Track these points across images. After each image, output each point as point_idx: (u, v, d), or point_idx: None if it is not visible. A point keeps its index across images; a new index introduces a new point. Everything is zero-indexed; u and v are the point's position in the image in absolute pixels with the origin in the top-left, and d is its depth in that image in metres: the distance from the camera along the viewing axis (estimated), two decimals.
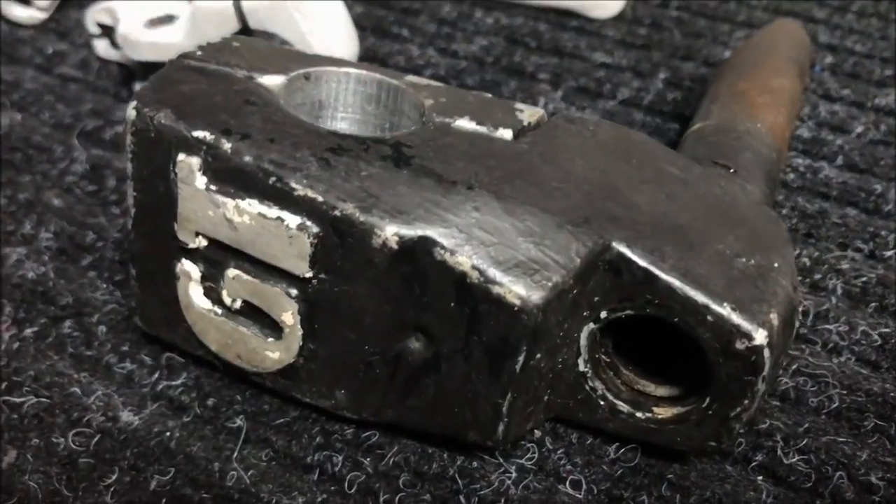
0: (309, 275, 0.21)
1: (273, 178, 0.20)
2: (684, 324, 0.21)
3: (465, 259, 0.20)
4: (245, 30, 0.33)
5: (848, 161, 0.37)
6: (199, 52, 0.23)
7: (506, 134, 0.23)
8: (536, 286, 0.20)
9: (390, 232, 0.20)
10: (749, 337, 0.20)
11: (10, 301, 0.27)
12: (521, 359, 0.20)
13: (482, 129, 0.23)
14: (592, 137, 0.24)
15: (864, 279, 0.30)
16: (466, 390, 0.21)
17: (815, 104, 0.40)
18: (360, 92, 0.24)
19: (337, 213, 0.20)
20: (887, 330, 0.28)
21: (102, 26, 0.37)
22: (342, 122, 0.25)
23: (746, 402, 0.21)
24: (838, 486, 0.24)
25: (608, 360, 0.23)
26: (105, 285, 0.28)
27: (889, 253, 0.32)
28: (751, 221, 0.24)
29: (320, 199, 0.20)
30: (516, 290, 0.20)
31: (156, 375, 0.25)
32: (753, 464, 0.24)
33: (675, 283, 0.21)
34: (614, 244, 0.21)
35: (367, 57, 0.41)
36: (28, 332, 0.26)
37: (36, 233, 0.29)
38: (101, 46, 0.38)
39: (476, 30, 0.44)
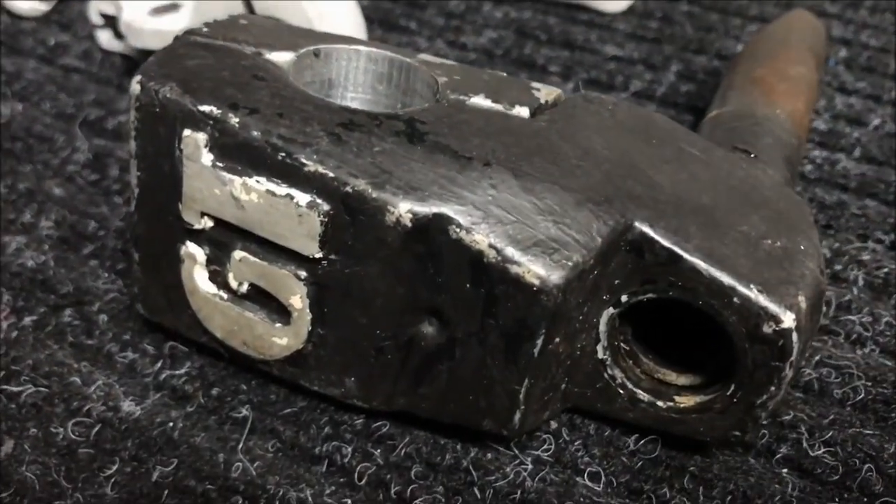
0: (319, 255, 0.20)
1: (282, 154, 0.19)
2: (709, 307, 0.20)
3: (482, 237, 0.19)
4: None
5: (865, 153, 0.36)
6: (205, 29, 0.23)
7: (522, 112, 0.22)
8: (556, 266, 0.19)
9: (404, 209, 0.19)
10: (777, 320, 0.20)
11: (9, 289, 0.26)
12: (539, 342, 0.20)
13: (498, 107, 0.22)
14: (611, 117, 0.23)
15: (885, 270, 0.30)
16: (481, 376, 0.21)
17: (830, 97, 0.39)
18: (371, 70, 0.24)
19: (348, 189, 0.19)
20: None
21: (106, 17, 0.37)
22: (353, 101, 0.24)
23: (773, 388, 0.20)
24: (867, 479, 0.23)
25: (627, 347, 0.23)
26: (106, 274, 0.27)
27: None
28: (775, 204, 0.23)
29: (331, 174, 0.19)
30: (535, 269, 0.19)
31: (158, 365, 0.24)
32: (778, 456, 0.23)
33: (701, 263, 0.20)
34: (637, 223, 0.20)
35: None
36: (27, 320, 0.25)
37: (36, 222, 0.28)
38: (105, 37, 0.37)
39: (485, 23, 0.43)
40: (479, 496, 0.22)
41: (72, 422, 0.22)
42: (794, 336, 0.20)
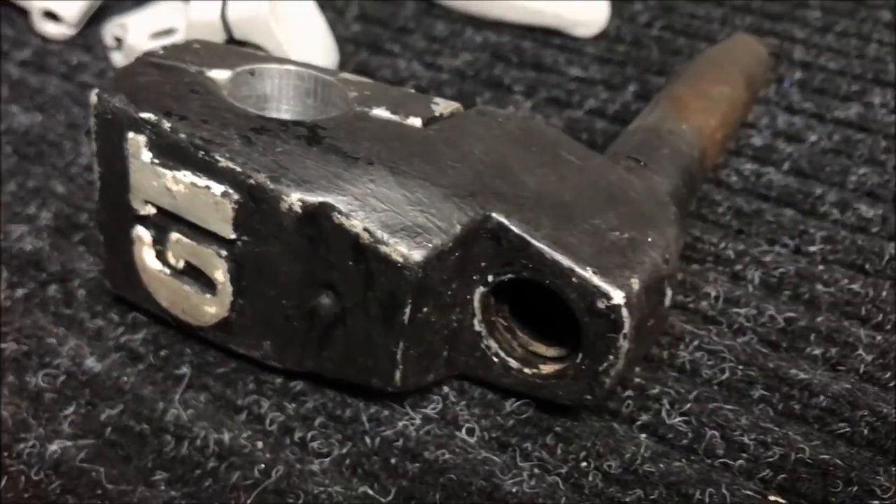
0: (233, 237, 0.24)
1: (202, 153, 0.24)
2: (555, 286, 0.24)
3: (358, 223, 0.23)
4: (231, 40, 0.37)
5: (795, 167, 0.39)
6: (161, 51, 0.28)
7: (415, 122, 0.26)
8: (418, 247, 0.23)
9: (295, 198, 0.23)
10: (608, 297, 0.23)
11: (8, 268, 0.31)
12: (407, 311, 0.24)
13: (395, 118, 0.26)
14: (500, 127, 0.27)
15: (781, 270, 0.33)
16: (367, 341, 0.25)
17: (774, 115, 0.42)
18: (299, 86, 0.28)
19: (252, 181, 0.24)
20: (794, 315, 0.31)
21: (118, 39, 0.42)
22: (286, 112, 0.28)
23: (612, 357, 0.24)
24: (711, 444, 0.26)
25: (506, 323, 0.26)
26: (91, 258, 0.32)
27: (814, 248, 0.34)
28: (638, 204, 0.26)
29: (239, 169, 0.24)
30: (400, 249, 0.23)
31: (120, 330, 0.29)
32: (638, 422, 0.27)
33: (546, 249, 0.24)
34: (494, 215, 0.24)
35: (358, 69, 0.45)
36: (19, 293, 0.30)
37: (38, 213, 0.34)
38: (118, 58, 0.42)
39: (464, 46, 0.47)
40: (368, 443, 0.26)
41: (42, 372, 0.27)
42: (625, 311, 0.23)
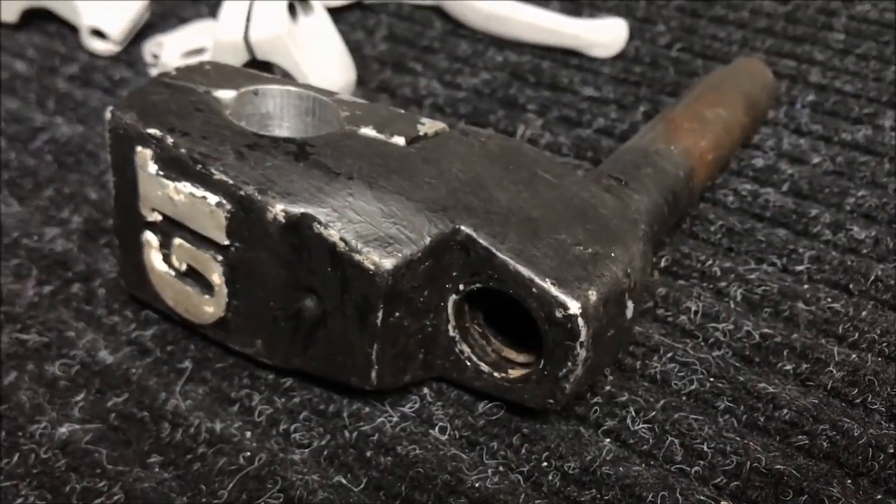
0: (227, 243, 0.27)
1: (200, 166, 0.26)
2: (518, 295, 0.26)
3: (335, 232, 0.25)
4: (254, 60, 0.39)
5: (794, 188, 0.40)
6: (174, 72, 0.30)
7: (399, 140, 0.28)
8: (389, 256, 0.25)
9: (279, 209, 0.26)
10: (565, 307, 0.25)
11: (37, 267, 0.34)
12: (380, 315, 0.26)
13: (380, 136, 0.28)
14: (480, 146, 0.29)
15: (764, 288, 0.34)
16: (346, 341, 0.27)
17: (780, 137, 0.43)
18: (299, 105, 0.30)
19: (242, 193, 0.26)
20: (770, 331, 0.32)
21: (155, 56, 0.45)
22: (286, 130, 0.31)
23: (570, 364, 0.26)
24: (670, 451, 0.27)
25: (480, 329, 0.28)
26: (113, 259, 0.34)
27: (801, 267, 0.35)
28: (607, 220, 0.28)
29: (231, 182, 0.26)
30: (372, 257, 0.25)
31: (133, 326, 0.31)
32: (603, 427, 0.28)
33: (509, 260, 0.25)
34: (463, 228, 0.26)
35: (380, 87, 0.47)
36: (46, 290, 0.33)
37: (70, 217, 0.37)
38: (154, 73, 0.45)
39: (484, 65, 0.49)
40: (346, 437, 0.28)
41: (59, 362, 0.30)
42: (581, 321, 0.25)
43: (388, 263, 0.25)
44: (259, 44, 0.38)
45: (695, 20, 0.54)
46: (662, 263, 0.35)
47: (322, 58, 0.39)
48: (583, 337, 0.25)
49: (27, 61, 0.48)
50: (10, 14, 0.50)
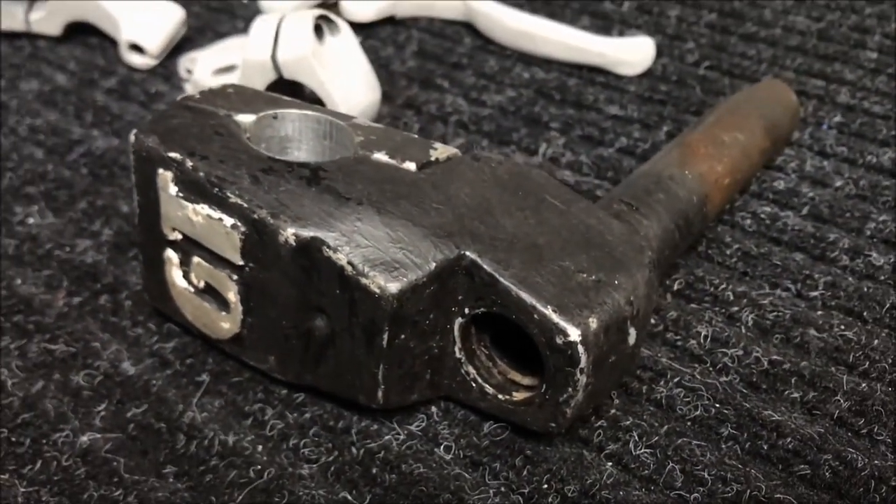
0: (241, 263, 0.28)
1: (216, 189, 0.27)
2: (521, 321, 0.26)
3: (343, 256, 0.26)
4: (281, 79, 0.40)
5: (814, 212, 0.40)
6: (197, 95, 0.31)
7: (411, 166, 0.29)
8: (395, 280, 0.26)
9: (290, 232, 0.26)
10: (565, 334, 0.25)
11: (68, 278, 0.35)
12: (385, 336, 0.26)
13: (392, 161, 0.29)
14: (490, 172, 0.30)
15: (778, 314, 0.34)
16: (354, 361, 0.28)
17: (804, 159, 0.43)
18: (317, 129, 0.31)
19: (255, 216, 0.27)
20: (780, 358, 0.32)
21: (189, 71, 0.46)
22: (304, 152, 0.32)
23: (571, 390, 0.26)
24: (671, 476, 0.28)
25: (487, 351, 0.29)
26: (140, 272, 0.36)
27: (815, 293, 0.35)
28: (613, 248, 0.28)
29: (245, 205, 0.27)
30: (378, 281, 0.26)
31: (155, 339, 0.32)
32: (606, 451, 0.29)
33: (511, 286, 0.26)
34: (468, 253, 0.27)
35: (406, 104, 0.48)
36: (76, 300, 0.34)
37: (101, 230, 0.38)
38: (190, 88, 0.47)
39: (510, 83, 0.50)
40: (354, 453, 0.29)
41: (83, 372, 0.31)
42: (581, 348, 0.25)
43: (393, 287, 0.26)
44: (286, 64, 0.39)
45: (725, 37, 0.54)
46: (675, 287, 0.35)
47: (347, 77, 0.40)
48: (583, 363, 0.26)
49: (68, 74, 0.50)
50: (54, 27, 0.52)
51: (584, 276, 0.27)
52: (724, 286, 0.35)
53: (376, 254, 0.26)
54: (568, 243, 0.28)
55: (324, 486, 0.28)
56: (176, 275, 0.30)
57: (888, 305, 0.34)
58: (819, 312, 0.34)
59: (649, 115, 0.47)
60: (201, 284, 0.30)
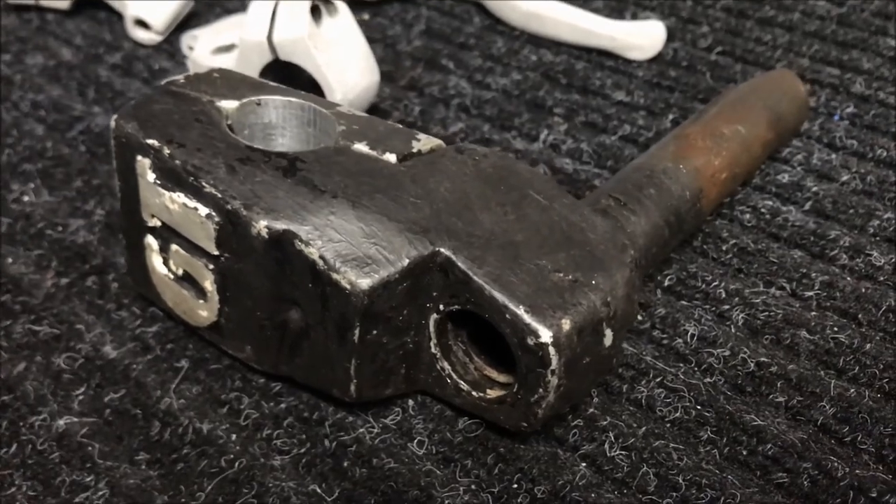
0: (216, 253, 0.28)
1: (192, 178, 0.27)
2: (493, 320, 0.26)
3: (315, 250, 0.26)
4: (277, 60, 0.40)
5: (816, 207, 0.39)
6: (181, 80, 0.31)
7: (391, 157, 0.29)
8: (366, 276, 0.26)
9: (262, 225, 0.26)
10: (537, 335, 0.25)
11: (58, 258, 0.35)
12: (356, 332, 0.26)
13: (372, 153, 0.29)
14: (474, 165, 0.29)
15: (770, 313, 0.33)
16: (327, 354, 0.27)
17: (811, 151, 0.42)
18: (300, 116, 0.31)
19: (229, 207, 0.27)
20: (767, 360, 0.31)
21: (191, 48, 0.46)
22: (288, 139, 0.31)
23: (542, 391, 0.26)
24: (644, 480, 0.27)
25: (464, 347, 0.28)
26: None
27: (810, 293, 0.34)
28: (594, 246, 0.28)
29: (220, 196, 0.27)
30: (349, 277, 0.26)
31: (138, 322, 0.32)
32: (581, 451, 0.28)
33: (485, 285, 0.26)
34: (443, 250, 0.26)
35: (409, 85, 0.47)
36: (63, 281, 0.34)
37: (94, 209, 0.38)
38: (190, 66, 0.47)
39: (518, 65, 0.49)
40: (326, 445, 0.28)
41: (65, 355, 0.31)
42: (552, 350, 0.25)
43: (364, 284, 0.25)
44: (281, 45, 0.39)
45: (741, 21, 0.53)
46: (666, 282, 0.35)
47: (344, 60, 0.39)
48: (554, 365, 0.25)
49: (74, 48, 0.50)
50: (63, 1, 0.52)
51: (561, 275, 0.26)
52: (716, 283, 0.35)
53: (349, 249, 0.26)
54: (547, 241, 0.27)
55: (294, 478, 0.27)
56: (156, 261, 0.30)
57: (885, 308, 0.33)
58: (813, 313, 0.33)
59: (655, 102, 0.46)
60: (180, 272, 0.30)
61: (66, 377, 0.31)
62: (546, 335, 0.25)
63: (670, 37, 0.51)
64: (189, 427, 0.29)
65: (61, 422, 0.29)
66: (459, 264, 0.26)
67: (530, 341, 0.25)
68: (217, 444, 0.28)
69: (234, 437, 0.29)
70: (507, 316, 0.25)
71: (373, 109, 0.44)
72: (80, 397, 0.30)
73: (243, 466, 0.28)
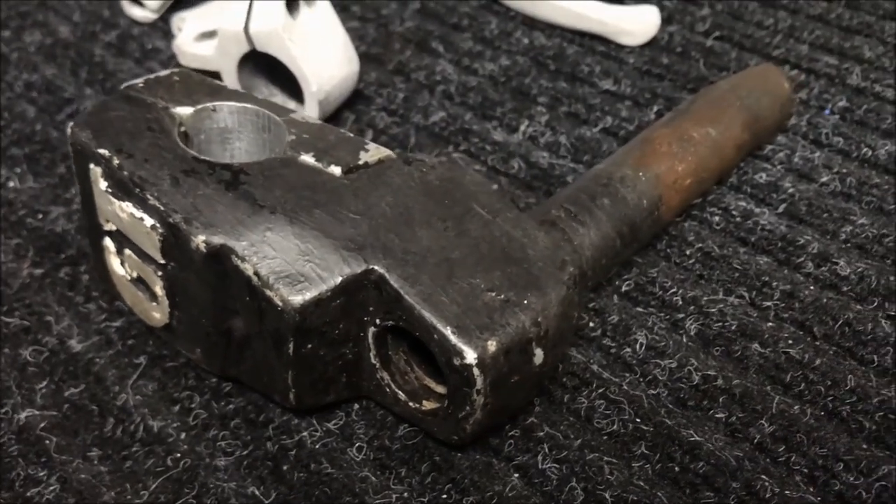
0: (163, 262, 0.28)
1: (138, 189, 0.28)
2: (423, 338, 0.26)
3: (250, 266, 0.27)
4: (254, 51, 0.40)
5: (790, 210, 0.38)
6: (140, 84, 0.32)
7: (336, 170, 0.29)
8: (297, 293, 0.26)
9: (200, 239, 0.27)
10: (462, 356, 0.26)
11: (35, 247, 0.37)
12: (291, 346, 0.27)
13: (318, 165, 0.29)
14: (420, 178, 0.30)
15: (724, 324, 0.33)
16: (268, 364, 0.28)
17: (794, 149, 0.41)
18: (255, 122, 0.31)
19: (171, 220, 0.27)
20: (713, 373, 0.32)
21: (180, 30, 0.46)
22: (245, 142, 0.32)
23: (468, 408, 0.26)
24: (571, 495, 0.28)
25: (405, 357, 0.29)
26: None
27: (769, 303, 0.34)
28: (531, 264, 0.28)
29: (162, 208, 0.27)
30: (282, 294, 0.26)
31: (103, 317, 0.34)
32: (514, 462, 0.29)
33: (415, 305, 0.26)
34: (377, 268, 0.27)
35: (396, 70, 0.47)
36: (37, 271, 0.36)
37: (74, 197, 0.39)
38: (175, 50, 0.47)
39: (508, 49, 0.49)
40: (268, 447, 0.29)
41: (32, 348, 0.33)
42: (476, 371, 0.26)
43: (296, 301, 0.26)
44: (257, 36, 0.39)
45: (743, 2, 0.52)
46: (624, 288, 0.35)
47: (321, 51, 0.40)
48: (479, 385, 0.26)
49: (71, 25, 0.51)
50: None
51: (493, 294, 0.27)
52: (674, 290, 0.35)
53: (283, 266, 0.27)
54: (484, 258, 0.28)
55: (235, 479, 0.29)
56: (114, 262, 0.31)
57: (842, 321, 0.33)
58: (769, 324, 0.33)
59: (642, 92, 0.45)
60: (134, 274, 0.30)
61: (31, 370, 0.32)
62: (471, 356, 0.25)
63: (668, 19, 0.50)
64: (141, 424, 0.30)
65: (23, 415, 0.30)
66: (392, 283, 0.27)
67: (456, 361, 0.26)
68: (166, 443, 0.30)
69: (182, 435, 0.30)
70: (435, 336, 0.26)
71: (356, 95, 0.45)
72: (43, 391, 0.31)
73: (188, 466, 0.29)
